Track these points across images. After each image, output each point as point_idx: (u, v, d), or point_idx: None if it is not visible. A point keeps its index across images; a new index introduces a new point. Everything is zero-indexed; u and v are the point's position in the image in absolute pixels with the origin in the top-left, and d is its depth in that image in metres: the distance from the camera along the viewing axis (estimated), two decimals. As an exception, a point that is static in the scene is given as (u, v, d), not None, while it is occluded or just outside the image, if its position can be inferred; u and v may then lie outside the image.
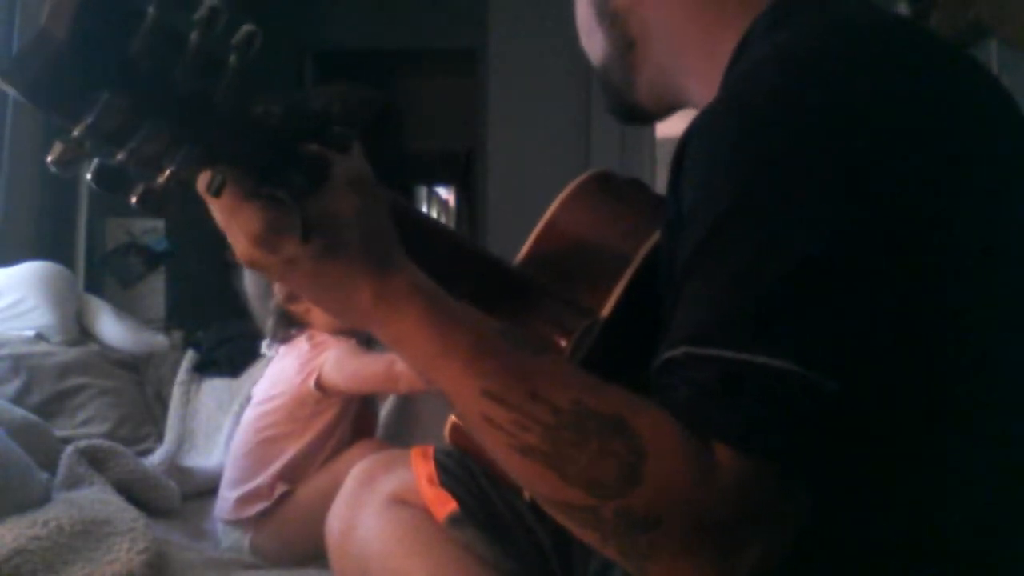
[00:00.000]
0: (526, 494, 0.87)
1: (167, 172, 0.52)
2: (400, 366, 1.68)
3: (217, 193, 0.56)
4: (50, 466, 1.75)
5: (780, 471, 0.56)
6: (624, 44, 0.85)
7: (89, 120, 0.49)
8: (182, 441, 2.24)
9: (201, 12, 0.52)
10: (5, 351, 2.08)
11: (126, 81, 0.49)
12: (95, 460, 1.78)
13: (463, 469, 0.95)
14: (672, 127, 1.19)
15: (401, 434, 2.04)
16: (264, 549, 1.75)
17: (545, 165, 3.51)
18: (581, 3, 0.89)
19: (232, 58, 0.53)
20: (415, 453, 0.99)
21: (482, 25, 3.78)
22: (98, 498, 1.62)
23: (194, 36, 0.51)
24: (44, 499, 1.61)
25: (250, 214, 0.60)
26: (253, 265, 0.63)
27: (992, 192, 0.66)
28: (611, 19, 0.85)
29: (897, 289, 0.60)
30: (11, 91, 0.47)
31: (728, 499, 0.56)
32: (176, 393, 2.33)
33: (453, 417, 0.88)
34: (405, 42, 4.54)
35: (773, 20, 0.73)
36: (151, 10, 0.49)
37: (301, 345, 1.83)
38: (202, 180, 0.58)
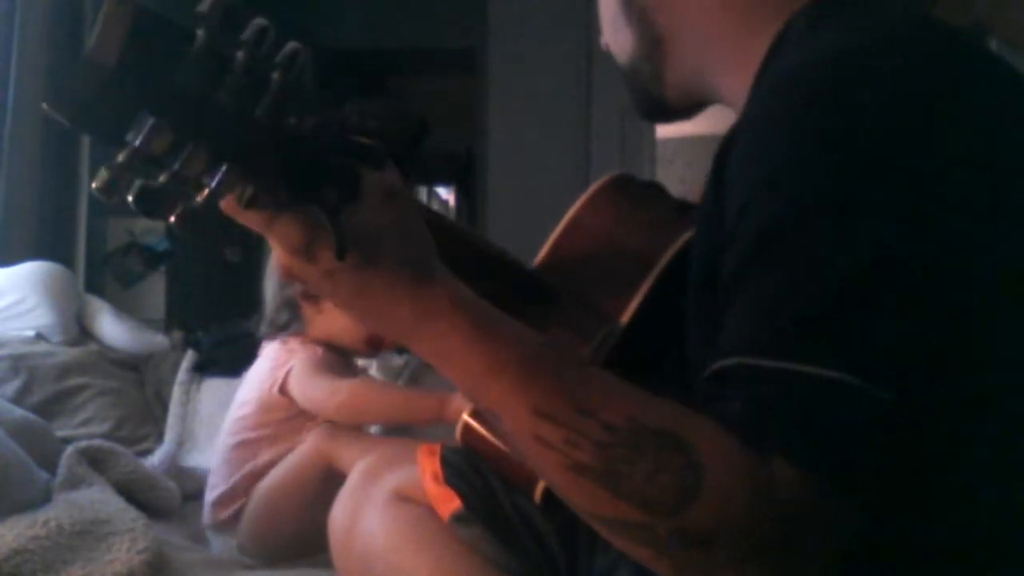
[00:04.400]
0: (536, 496, 0.86)
1: (206, 191, 0.52)
2: (338, 399, 1.67)
3: (248, 205, 0.55)
4: (50, 466, 1.74)
5: (838, 483, 0.56)
6: (652, 41, 0.83)
7: (135, 144, 0.48)
8: (182, 441, 2.24)
9: (248, 33, 0.52)
10: (5, 351, 2.08)
11: (172, 106, 0.49)
12: (95, 460, 1.78)
13: (470, 467, 0.94)
14: (673, 127, 1.19)
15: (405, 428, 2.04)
16: (251, 551, 1.74)
17: (545, 165, 3.51)
18: (607, 3, 0.87)
19: (275, 75, 0.53)
20: (422, 450, 0.99)
21: (482, 25, 3.77)
22: (98, 498, 1.61)
23: (240, 56, 0.51)
24: (44, 499, 1.60)
25: (287, 226, 0.59)
26: (293, 276, 0.62)
27: None
28: (639, 15, 0.83)
29: (948, 295, 0.59)
30: (58, 118, 0.48)
31: (787, 514, 0.55)
32: (176, 393, 2.32)
33: (465, 417, 0.87)
34: (405, 42, 4.54)
35: (812, 19, 0.72)
36: (200, 34, 0.49)
37: (274, 349, 1.82)
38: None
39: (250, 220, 0.60)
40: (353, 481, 1.04)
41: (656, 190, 0.97)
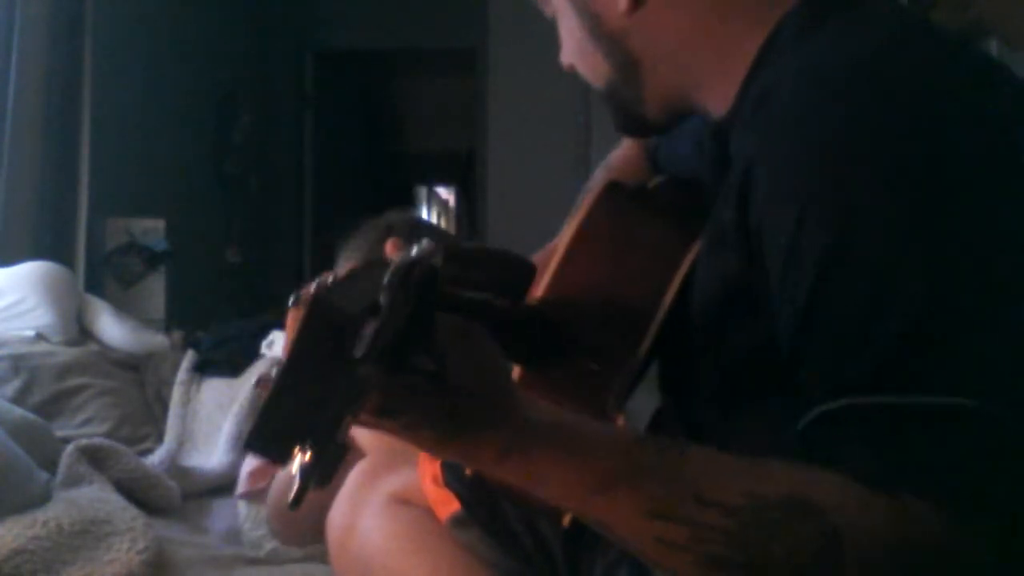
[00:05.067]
0: (565, 521, 0.84)
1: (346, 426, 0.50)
2: None
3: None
4: (50, 466, 1.74)
5: (975, 509, 0.54)
6: (627, 65, 0.79)
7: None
8: (182, 441, 2.24)
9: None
10: (5, 351, 2.08)
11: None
12: (95, 459, 1.78)
13: None
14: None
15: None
16: (277, 530, 1.75)
17: (545, 165, 3.52)
18: (570, 28, 0.82)
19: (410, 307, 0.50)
20: (422, 453, 0.99)
21: (482, 25, 3.78)
22: (98, 497, 1.62)
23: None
24: (44, 499, 1.60)
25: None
26: (368, 428, 0.57)
27: None
28: (607, 42, 0.79)
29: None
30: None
31: (934, 552, 0.54)
32: (176, 393, 2.32)
33: None
34: (405, 42, 4.55)
35: (803, 20, 0.71)
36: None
37: None
38: None
39: None
40: (351, 483, 1.04)
41: (651, 198, 0.95)
